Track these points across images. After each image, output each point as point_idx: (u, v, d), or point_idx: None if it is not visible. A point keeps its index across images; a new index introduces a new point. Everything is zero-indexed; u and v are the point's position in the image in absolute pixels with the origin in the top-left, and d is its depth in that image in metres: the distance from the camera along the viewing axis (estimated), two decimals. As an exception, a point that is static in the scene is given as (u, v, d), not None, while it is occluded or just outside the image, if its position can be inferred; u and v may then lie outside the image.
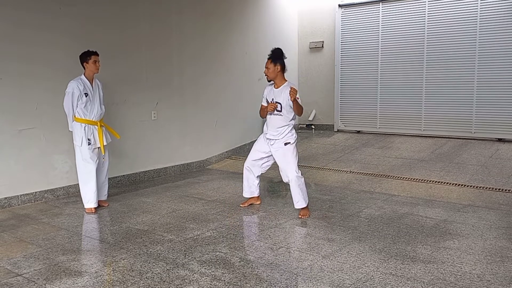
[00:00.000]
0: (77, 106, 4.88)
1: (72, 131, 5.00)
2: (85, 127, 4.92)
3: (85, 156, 4.93)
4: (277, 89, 4.82)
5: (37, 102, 5.40)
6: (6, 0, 5.07)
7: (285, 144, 4.73)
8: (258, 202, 5.22)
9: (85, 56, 4.93)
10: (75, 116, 4.92)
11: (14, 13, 5.14)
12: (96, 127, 5.00)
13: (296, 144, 4.79)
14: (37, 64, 5.37)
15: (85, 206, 5.02)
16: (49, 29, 5.44)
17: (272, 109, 4.72)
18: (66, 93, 4.88)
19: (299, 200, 4.73)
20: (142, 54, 6.47)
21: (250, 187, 5.09)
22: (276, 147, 4.78)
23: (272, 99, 4.80)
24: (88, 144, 4.92)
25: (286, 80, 4.89)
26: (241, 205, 5.16)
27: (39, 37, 5.36)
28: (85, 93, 4.88)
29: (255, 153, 5.00)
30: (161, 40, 6.71)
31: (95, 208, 5.02)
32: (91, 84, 4.98)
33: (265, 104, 4.90)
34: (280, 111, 4.73)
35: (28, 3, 5.23)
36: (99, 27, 5.93)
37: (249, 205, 5.17)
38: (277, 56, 4.78)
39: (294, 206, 4.78)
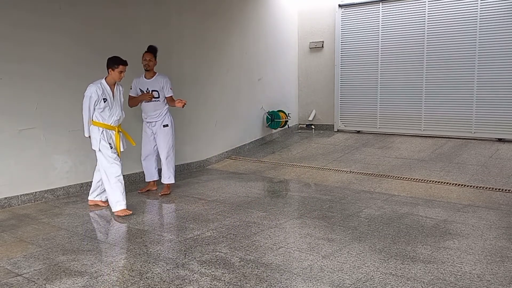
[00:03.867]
0: (94, 110, 4.77)
1: (89, 137, 4.87)
2: (103, 131, 4.82)
3: (109, 157, 4.80)
4: (150, 79, 5.55)
5: (37, 102, 5.40)
6: (5, 0, 5.07)
7: (164, 126, 5.60)
8: (154, 188, 5.95)
9: (114, 63, 4.80)
10: (92, 120, 4.81)
11: (14, 13, 5.13)
12: (114, 132, 4.91)
13: (173, 127, 5.71)
14: (37, 64, 5.37)
15: (114, 210, 4.84)
16: (49, 29, 5.44)
17: (150, 98, 5.48)
18: (85, 96, 4.76)
19: (170, 175, 5.72)
20: (142, 54, 6.47)
21: (150, 172, 5.87)
22: (156, 128, 5.62)
23: (147, 89, 5.52)
24: (110, 148, 4.82)
25: (156, 72, 5.63)
26: (139, 191, 5.86)
27: (39, 37, 5.35)
28: (103, 99, 4.77)
29: (145, 146, 5.74)
30: (161, 40, 6.70)
31: (126, 209, 4.85)
32: (112, 89, 4.86)
33: (134, 94, 5.61)
34: (158, 97, 5.54)
35: (28, 3, 5.23)
36: (99, 27, 5.93)
37: (147, 191, 5.88)
38: (156, 52, 5.57)
39: (164, 182, 5.74)
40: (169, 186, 5.83)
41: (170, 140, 5.68)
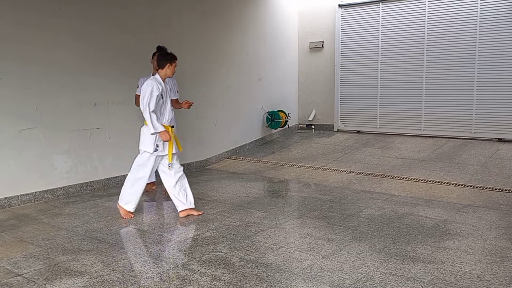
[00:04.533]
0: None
1: (145, 136, 4.59)
2: None
3: (148, 162, 4.62)
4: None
5: (37, 102, 5.40)
6: (6, 0, 5.07)
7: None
8: (154, 187, 6.01)
9: (172, 58, 4.65)
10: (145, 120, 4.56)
11: (14, 13, 5.13)
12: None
13: None
14: (37, 64, 5.37)
15: (121, 204, 4.73)
16: (49, 29, 5.44)
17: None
18: (144, 91, 4.48)
19: None
20: (142, 54, 6.46)
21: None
22: None
23: None
24: (155, 151, 4.59)
25: None
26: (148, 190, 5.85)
27: (39, 37, 5.35)
28: (161, 95, 4.55)
29: None
30: (161, 40, 6.69)
31: (132, 212, 4.77)
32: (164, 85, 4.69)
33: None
34: None
35: (28, 3, 5.23)
36: (99, 27, 5.93)
37: (146, 191, 5.81)
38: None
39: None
40: None
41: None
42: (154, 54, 5.53)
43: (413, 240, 3.94)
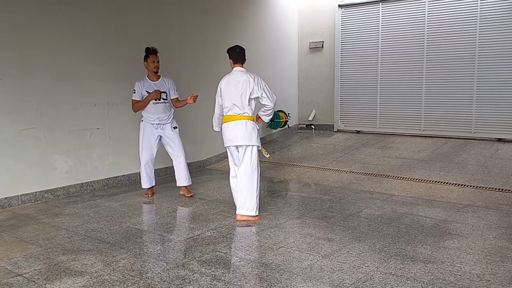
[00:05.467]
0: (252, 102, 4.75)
1: (255, 130, 4.67)
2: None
3: (258, 157, 4.63)
4: (157, 81, 5.51)
5: (37, 102, 5.40)
6: (5, 0, 5.07)
7: (174, 128, 5.59)
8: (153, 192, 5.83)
9: None
10: (250, 115, 4.69)
11: (14, 14, 5.13)
12: None
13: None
14: (37, 64, 5.37)
15: (251, 214, 4.55)
16: (49, 29, 5.43)
17: (159, 95, 5.35)
18: (265, 85, 4.83)
19: (189, 176, 5.66)
20: (142, 54, 6.47)
21: (150, 178, 5.65)
22: (167, 131, 5.52)
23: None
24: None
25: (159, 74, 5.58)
26: (146, 196, 5.68)
27: (39, 38, 5.35)
28: None
29: (149, 151, 5.52)
30: (161, 40, 6.71)
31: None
32: None
33: (139, 98, 5.41)
34: (166, 99, 5.50)
35: (28, 4, 5.23)
36: (99, 28, 5.93)
37: (153, 194, 5.76)
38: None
39: (180, 184, 5.65)
40: (188, 187, 5.78)
41: (180, 139, 5.65)
42: (146, 57, 5.47)
43: (413, 240, 3.94)
